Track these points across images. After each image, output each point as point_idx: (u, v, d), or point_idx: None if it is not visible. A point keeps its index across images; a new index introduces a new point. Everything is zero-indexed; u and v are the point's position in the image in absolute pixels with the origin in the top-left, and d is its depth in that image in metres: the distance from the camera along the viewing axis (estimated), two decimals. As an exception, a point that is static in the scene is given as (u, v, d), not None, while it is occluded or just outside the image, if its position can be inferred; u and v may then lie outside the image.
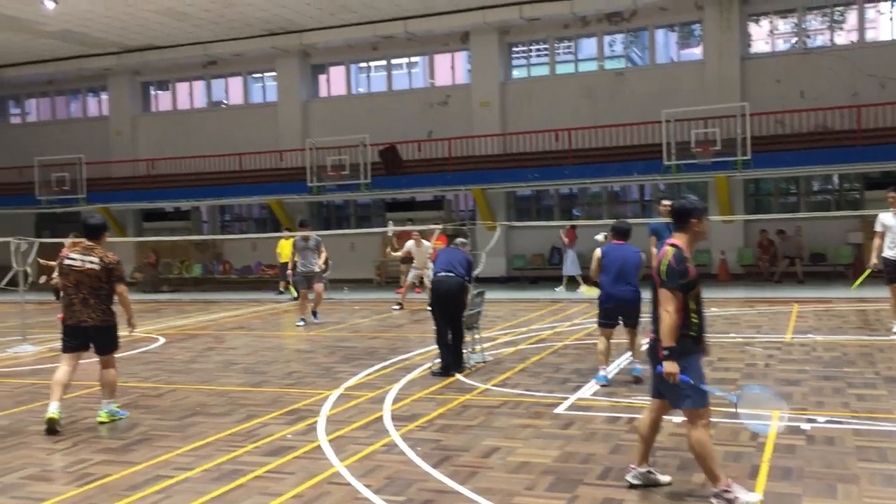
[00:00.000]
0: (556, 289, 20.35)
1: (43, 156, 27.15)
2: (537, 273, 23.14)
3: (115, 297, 7.58)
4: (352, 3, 22.26)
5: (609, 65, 24.64)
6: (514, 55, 25.53)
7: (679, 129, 20.71)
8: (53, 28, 23.63)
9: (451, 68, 26.31)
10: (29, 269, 13.70)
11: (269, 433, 6.97)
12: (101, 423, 7.47)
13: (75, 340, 7.50)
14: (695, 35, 24.47)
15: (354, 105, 26.54)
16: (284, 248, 20.70)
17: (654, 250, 11.94)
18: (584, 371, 9.37)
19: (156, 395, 8.77)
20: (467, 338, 9.93)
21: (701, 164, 20.38)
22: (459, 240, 10.39)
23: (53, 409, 7.13)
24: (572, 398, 7.98)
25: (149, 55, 26.76)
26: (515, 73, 25.60)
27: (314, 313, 14.99)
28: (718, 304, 15.64)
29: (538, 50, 25.46)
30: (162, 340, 13.31)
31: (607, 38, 24.68)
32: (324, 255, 15.03)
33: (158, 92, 29.86)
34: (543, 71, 25.27)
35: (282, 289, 21.43)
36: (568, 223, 21.53)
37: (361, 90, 27.53)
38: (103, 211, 25.37)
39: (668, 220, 12.23)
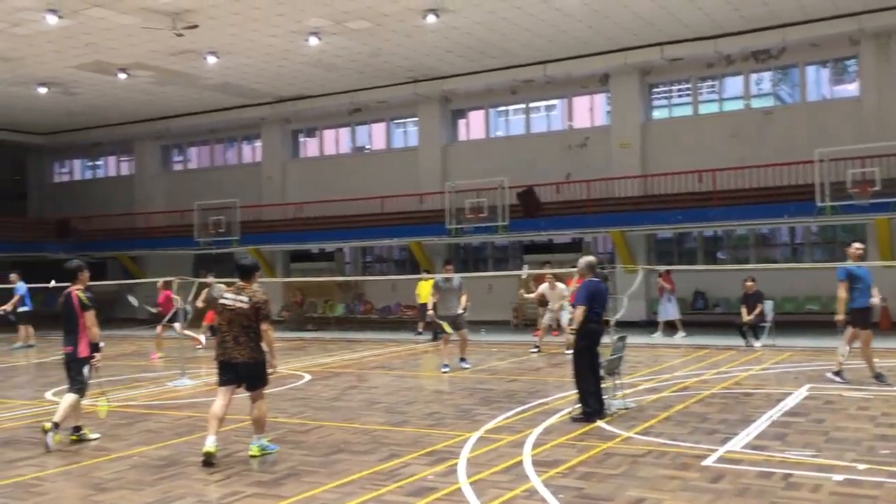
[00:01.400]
0: (653, 335, 19.72)
1: (201, 200, 28.92)
2: (680, 318, 22.33)
3: None
4: (491, 49, 22.67)
5: (756, 103, 23.84)
6: (654, 96, 25.17)
7: (833, 168, 19.69)
8: (215, 81, 25.34)
9: (589, 110, 26.24)
10: (188, 307, 14.57)
11: (410, 473, 7.04)
12: (253, 456, 7.76)
13: (227, 375, 7.83)
14: (849, 71, 23.33)
15: (493, 148, 26.88)
16: (423, 290, 21.07)
17: (843, 294, 11.23)
18: (733, 422, 8.96)
19: (303, 431, 9.05)
20: (608, 383, 9.73)
21: (858, 205, 19.26)
22: (586, 261, 9.83)
23: (210, 443, 7.49)
24: (721, 450, 7.63)
25: (299, 104, 28.21)
26: (656, 114, 25.21)
27: (462, 359, 14.52)
28: (880, 355, 14.60)
29: (680, 90, 24.99)
30: (308, 377, 13.76)
31: (754, 77, 23.93)
32: (465, 298, 14.49)
33: (307, 139, 31.33)
34: (686, 111, 24.76)
35: (420, 329, 21.77)
36: (664, 267, 20.86)
37: (500, 133, 27.86)
38: (254, 252, 26.65)
39: (859, 263, 11.58)
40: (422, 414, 10.08)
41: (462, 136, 28.22)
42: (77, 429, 8.75)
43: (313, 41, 21.03)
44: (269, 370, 7.92)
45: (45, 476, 7.40)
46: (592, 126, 25.93)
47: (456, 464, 7.33)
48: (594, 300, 9.41)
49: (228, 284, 8.48)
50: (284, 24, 20.00)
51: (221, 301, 7.91)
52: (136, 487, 6.83)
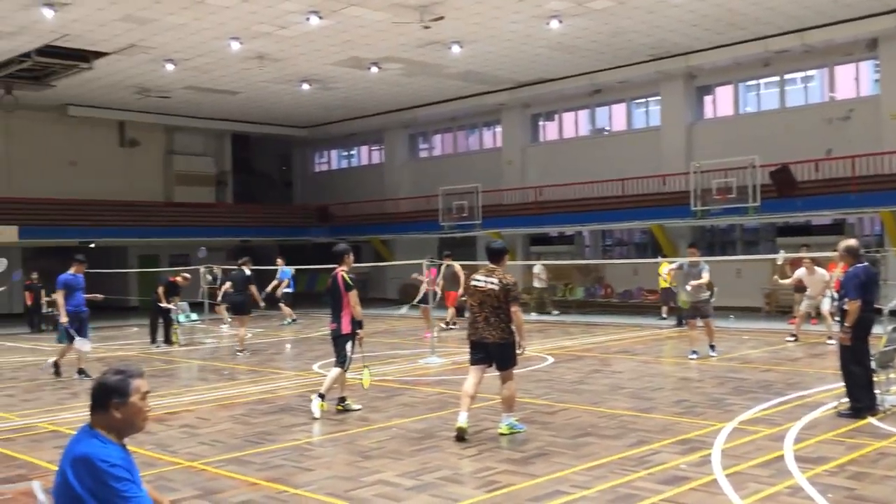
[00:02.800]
0: None
1: (445, 185, 30.00)
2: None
3: None
4: (741, 19, 21.37)
5: None
6: (934, 59, 22.48)
7: None
8: (458, 70, 26.12)
9: (854, 79, 23.98)
10: (438, 288, 15.22)
11: (661, 461, 6.88)
12: (502, 434, 7.97)
13: (479, 354, 8.09)
14: None
15: (742, 125, 25.40)
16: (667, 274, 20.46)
17: None
18: None
19: (549, 413, 9.15)
20: (881, 377, 8.89)
21: None
22: (847, 245, 8.89)
23: (463, 420, 7.78)
24: None
25: (538, 88, 28.33)
26: (936, 80, 22.51)
27: (712, 346, 13.85)
28: None
29: (967, 51, 22.11)
30: (551, 360, 13.88)
31: None
32: (701, 281, 13.52)
33: (546, 122, 31.43)
34: (974, 74, 21.89)
35: (664, 315, 21.17)
36: None
37: (750, 109, 26.26)
38: (496, 235, 27.21)
39: None
40: (670, 401, 9.82)
41: (708, 113, 26.94)
42: (342, 399, 9.46)
43: (554, 24, 20.98)
44: (518, 351, 8.08)
45: (315, 441, 8.11)
46: (857, 97, 23.67)
47: (709, 454, 7.07)
48: (866, 289, 8.61)
49: (472, 269, 8.71)
50: (525, 10, 20.14)
51: (472, 283, 8.17)
52: (396, 457, 7.26)
